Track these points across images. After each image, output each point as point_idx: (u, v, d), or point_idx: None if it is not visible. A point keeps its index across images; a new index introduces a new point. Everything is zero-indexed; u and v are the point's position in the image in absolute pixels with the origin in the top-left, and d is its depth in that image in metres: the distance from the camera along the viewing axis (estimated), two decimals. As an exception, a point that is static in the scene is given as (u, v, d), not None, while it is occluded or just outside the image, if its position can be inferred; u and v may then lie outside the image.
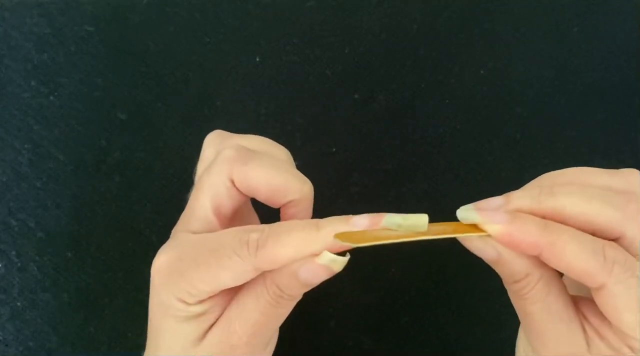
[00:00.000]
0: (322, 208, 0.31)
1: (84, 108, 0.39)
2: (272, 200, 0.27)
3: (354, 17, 0.40)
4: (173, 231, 0.28)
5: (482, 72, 0.39)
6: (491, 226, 0.24)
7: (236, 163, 0.26)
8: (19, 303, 0.37)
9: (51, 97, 0.39)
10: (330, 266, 0.25)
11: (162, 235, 0.39)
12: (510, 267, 0.24)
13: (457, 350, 0.39)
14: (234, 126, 0.39)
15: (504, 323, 0.35)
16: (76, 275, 0.38)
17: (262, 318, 0.26)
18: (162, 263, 0.25)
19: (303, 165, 0.39)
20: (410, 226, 0.25)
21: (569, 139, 0.40)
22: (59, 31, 0.39)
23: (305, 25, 0.40)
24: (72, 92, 0.39)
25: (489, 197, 0.29)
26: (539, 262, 0.24)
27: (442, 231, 0.25)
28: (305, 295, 0.27)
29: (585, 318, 0.25)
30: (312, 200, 0.28)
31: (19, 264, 0.38)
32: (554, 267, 0.24)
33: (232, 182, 0.26)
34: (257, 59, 0.39)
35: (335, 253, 0.25)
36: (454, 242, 0.36)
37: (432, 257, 0.39)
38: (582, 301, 0.26)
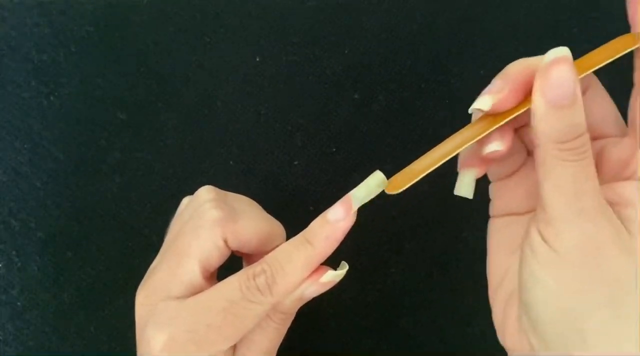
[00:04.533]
0: (323, 209, 0.31)
1: (84, 108, 0.39)
2: (259, 250, 0.27)
3: (354, 17, 0.40)
4: (144, 301, 0.26)
5: (482, 72, 0.39)
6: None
7: (228, 223, 0.26)
8: (19, 303, 0.37)
9: (51, 97, 0.39)
10: (335, 280, 0.26)
11: (162, 235, 0.39)
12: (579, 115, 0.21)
13: (457, 350, 0.39)
14: (234, 126, 0.39)
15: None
16: (76, 274, 0.38)
17: (272, 343, 0.27)
18: (167, 341, 0.24)
19: (303, 165, 0.39)
20: (376, 187, 0.25)
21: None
22: (59, 31, 0.39)
23: (305, 25, 0.40)
24: (72, 92, 0.39)
25: (488, 195, 0.29)
26: None
27: (475, 131, 0.24)
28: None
29: None
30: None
31: (19, 264, 0.38)
32: None
33: (225, 242, 0.26)
34: (257, 59, 0.39)
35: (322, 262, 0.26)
36: (455, 241, 0.37)
37: (432, 257, 0.39)
38: None
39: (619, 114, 0.26)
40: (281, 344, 0.30)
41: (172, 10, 0.39)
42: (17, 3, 0.39)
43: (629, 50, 0.23)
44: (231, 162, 0.39)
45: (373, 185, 0.25)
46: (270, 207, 0.38)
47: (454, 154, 0.24)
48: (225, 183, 0.38)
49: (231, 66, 0.39)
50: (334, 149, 0.39)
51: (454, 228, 0.38)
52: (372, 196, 0.25)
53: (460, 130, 0.25)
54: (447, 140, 0.25)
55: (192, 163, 0.39)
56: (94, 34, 0.39)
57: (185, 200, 0.31)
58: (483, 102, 0.23)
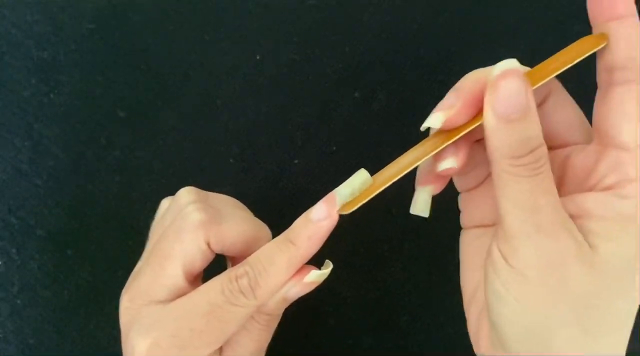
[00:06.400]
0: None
1: (84, 107, 0.39)
2: (244, 253, 0.27)
3: (354, 15, 0.40)
4: (128, 305, 0.26)
5: (482, 71, 0.39)
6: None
7: (211, 225, 0.26)
8: (19, 301, 0.37)
9: (51, 95, 0.39)
10: (319, 280, 0.25)
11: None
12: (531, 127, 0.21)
13: (457, 348, 0.39)
14: (234, 125, 0.39)
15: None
16: (76, 273, 0.38)
17: (258, 344, 0.27)
18: (151, 346, 0.24)
19: (303, 164, 0.39)
20: (361, 186, 0.24)
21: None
22: (59, 29, 0.39)
23: (305, 24, 0.40)
24: (72, 90, 0.39)
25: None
26: None
27: (430, 146, 0.24)
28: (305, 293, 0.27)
29: None
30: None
31: (19, 262, 0.38)
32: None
33: (208, 244, 0.26)
34: (258, 58, 0.39)
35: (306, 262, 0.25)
36: (455, 240, 0.36)
37: (432, 255, 0.39)
38: None
39: (585, 120, 0.25)
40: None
41: (172, 8, 0.39)
42: (18, 1, 0.39)
43: (590, 52, 0.22)
44: (231, 161, 0.39)
45: (357, 183, 0.24)
46: (270, 205, 0.38)
47: (406, 172, 0.23)
48: (225, 182, 0.39)
49: (231, 65, 0.39)
50: (335, 148, 0.39)
51: (454, 227, 0.38)
52: (356, 194, 0.24)
53: (415, 147, 0.24)
54: (401, 157, 0.24)
55: (192, 162, 0.39)
56: (94, 32, 0.39)
57: (165, 202, 0.30)
58: (434, 120, 0.22)
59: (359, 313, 0.39)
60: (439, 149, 0.23)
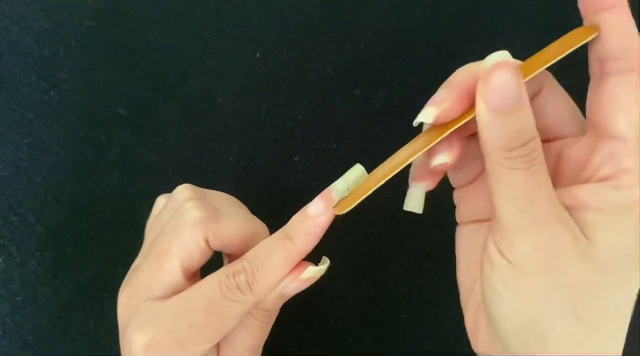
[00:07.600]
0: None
1: (84, 104, 0.39)
2: (242, 250, 0.27)
3: (354, 13, 0.40)
4: (126, 301, 0.26)
5: (482, 69, 0.39)
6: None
7: (210, 223, 0.26)
8: (18, 298, 0.38)
9: (51, 92, 0.39)
10: (316, 276, 0.25)
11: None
12: (526, 118, 0.20)
13: (457, 347, 0.39)
14: (233, 122, 0.39)
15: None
16: (76, 270, 0.38)
17: (255, 340, 0.27)
18: (149, 342, 0.24)
19: (303, 162, 0.39)
20: (356, 180, 0.24)
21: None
22: (59, 26, 0.39)
23: (305, 21, 0.39)
24: (72, 87, 0.39)
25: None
26: None
27: (420, 144, 0.23)
28: (305, 291, 0.27)
29: None
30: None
31: (19, 259, 0.38)
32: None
33: (206, 242, 0.26)
34: (257, 55, 0.39)
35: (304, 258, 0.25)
36: (455, 238, 0.36)
37: (432, 253, 0.39)
38: None
39: (578, 112, 0.24)
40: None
41: (173, 5, 0.39)
42: (17, -2, 0.39)
43: (582, 43, 0.22)
44: (231, 158, 0.39)
45: (352, 178, 0.24)
46: (270, 203, 0.38)
47: (400, 169, 0.23)
48: (224, 180, 0.39)
49: (231, 62, 0.39)
50: (334, 145, 0.39)
51: (453, 225, 0.38)
52: (352, 189, 0.24)
53: (408, 143, 0.24)
54: (394, 154, 0.24)
55: (191, 159, 0.39)
56: (94, 29, 0.39)
57: (162, 199, 0.30)
58: (426, 115, 0.22)
59: (358, 311, 0.39)
60: (431, 145, 0.23)
